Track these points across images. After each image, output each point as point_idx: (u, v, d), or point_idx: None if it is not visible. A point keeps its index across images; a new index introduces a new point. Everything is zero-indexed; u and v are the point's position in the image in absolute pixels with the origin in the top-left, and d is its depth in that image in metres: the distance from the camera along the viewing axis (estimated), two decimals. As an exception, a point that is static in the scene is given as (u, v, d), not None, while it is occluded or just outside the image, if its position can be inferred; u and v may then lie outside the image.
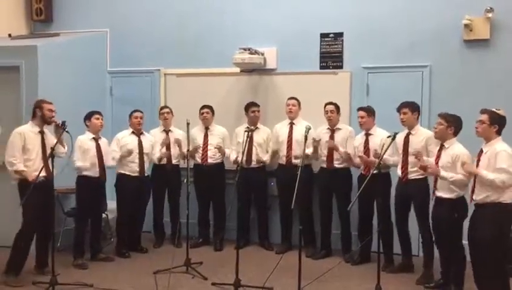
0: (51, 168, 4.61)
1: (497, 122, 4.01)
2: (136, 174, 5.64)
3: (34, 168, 4.69)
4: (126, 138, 5.70)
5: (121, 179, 5.68)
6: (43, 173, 4.66)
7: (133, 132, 5.76)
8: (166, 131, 6.06)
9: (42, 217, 4.82)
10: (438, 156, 4.45)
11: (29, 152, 4.74)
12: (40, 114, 4.81)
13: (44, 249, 4.94)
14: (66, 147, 4.88)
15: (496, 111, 4.06)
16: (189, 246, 5.19)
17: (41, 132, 4.84)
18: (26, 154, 4.73)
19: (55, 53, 6.07)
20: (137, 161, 5.64)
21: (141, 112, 5.81)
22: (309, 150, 5.41)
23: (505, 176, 3.85)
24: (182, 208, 5.81)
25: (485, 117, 4.04)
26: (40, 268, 4.96)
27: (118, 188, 5.71)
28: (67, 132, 4.70)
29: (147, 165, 5.77)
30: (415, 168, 4.80)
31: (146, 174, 5.78)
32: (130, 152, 5.55)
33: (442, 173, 4.32)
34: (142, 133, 5.80)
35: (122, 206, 5.73)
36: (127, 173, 5.64)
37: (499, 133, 4.04)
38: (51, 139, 4.86)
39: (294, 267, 4.33)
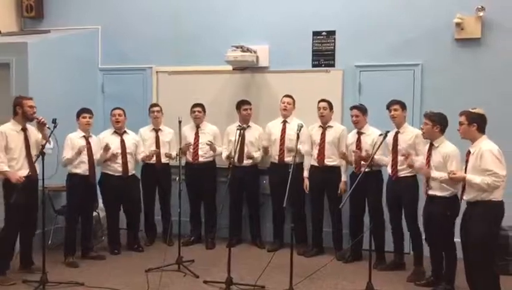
0: (39, 165, 4.55)
1: (474, 120, 4.03)
2: (119, 174, 5.57)
3: (17, 167, 4.68)
4: (108, 138, 5.61)
5: (104, 178, 5.61)
6: (26, 172, 4.66)
7: (115, 131, 5.67)
8: (156, 130, 6.03)
9: (25, 216, 4.78)
10: (429, 155, 4.48)
11: (12, 151, 4.69)
12: (21, 111, 4.76)
13: (28, 248, 4.92)
14: (52, 143, 4.81)
15: (472, 110, 4.08)
16: (180, 244, 5.17)
17: (24, 129, 4.80)
18: (8, 154, 4.68)
19: (45, 50, 6.02)
20: (119, 161, 5.56)
21: (121, 109, 5.70)
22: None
23: (489, 178, 3.86)
24: (173, 207, 5.79)
25: (462, 118, 4.08)
26: (25, 267, 4.91)
27: (102, 187, 5.66)
28: (48, 128, 4.67)
29: (132, 165, 5.70)
30: (404, 166, 4.84)
31: (131, 173, 5.68)
32: (114, 158, 5.46)
33: (433, 173, 4.35)
34: (125, 132, 5.72)
35: (107, 206, 5.73)
36: (110, 172, 5.57)
37: (481, 131, 4.04)
38: (35, 135, 4.84)
39: (286, 265, 4.34)
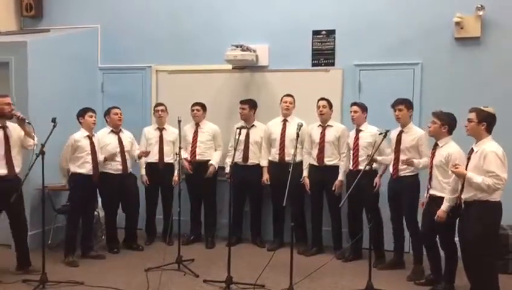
0: (39, 164, 4.45)
1: (485, 119, 3.98)
2: (119, 172, 5.58)
3: None
4: (106, 137, 5.60)
5: (103, 177, 5.53)
6: (3, 171, 4.63)
7: (112, 130, 5.66)
8: (160, 129, 6.03)
9: (11, 218, 4.78)
10: (433, 155, 4.46)
11: None
12: None
13: (24, 250, 4.91)
14: (35, 139, 4.76)
15: (484, 109, 4.03)
16: (180, 243, 5.17)
17: (3, 127, 4.73)
18: None
19: (45, 49, 6.01)
20: (119, 159, 5.57)
21: (119, 108, 5.71)
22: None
23: (490, 180, 3.83)
24: (174, 206, 5.78)
25: (472, 115, 4.02)
26: (22, 268, 4.89)
27: (101, 186, 5.59)
28: (29, 123, 4.66)
29: (129, 163, 5.71)
30: (406, 166, 4.84)
31: (129, 171, 5.69)
32: (113, 157, 5.48)
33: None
34: (120, 131, 5.71)
35: (107, 204, 5.73)
36: (110, 171, 5.54)
37: (488, 131, 4.01)
38: (17, 133, 4.78)
39: (286, 264, 4.34)
